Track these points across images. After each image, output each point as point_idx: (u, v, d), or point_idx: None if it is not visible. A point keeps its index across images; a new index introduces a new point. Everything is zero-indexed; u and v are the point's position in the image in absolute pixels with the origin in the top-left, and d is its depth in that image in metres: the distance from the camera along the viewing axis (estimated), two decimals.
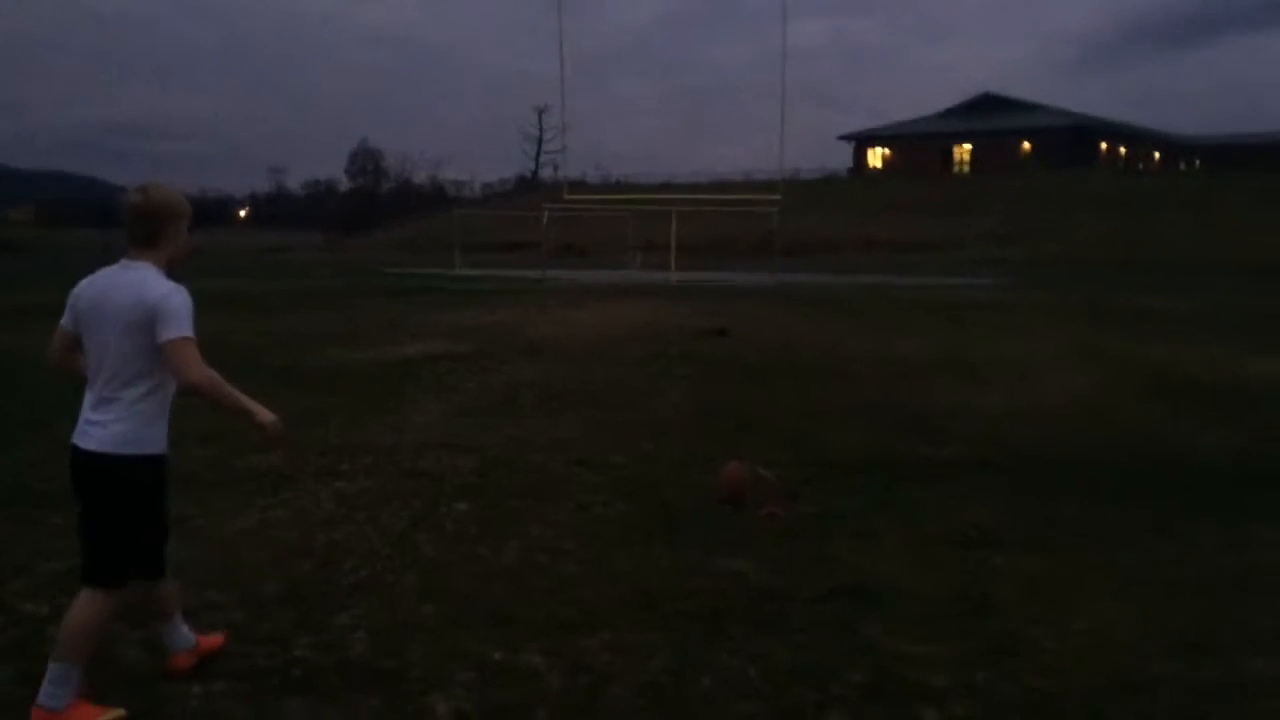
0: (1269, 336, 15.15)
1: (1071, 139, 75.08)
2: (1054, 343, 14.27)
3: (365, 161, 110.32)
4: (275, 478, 6.31)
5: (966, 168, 79.72)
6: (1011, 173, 71.06)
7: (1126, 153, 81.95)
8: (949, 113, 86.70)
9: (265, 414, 3.36)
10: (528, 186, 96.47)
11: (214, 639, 3.71)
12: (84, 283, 3.23)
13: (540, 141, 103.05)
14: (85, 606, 3.24)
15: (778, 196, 32.77)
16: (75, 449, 3.22)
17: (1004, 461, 6.95)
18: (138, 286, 3.13)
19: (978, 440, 7.66)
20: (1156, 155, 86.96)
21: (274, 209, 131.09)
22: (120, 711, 3.25)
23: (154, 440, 3.24)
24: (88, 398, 3.23)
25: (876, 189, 72.10)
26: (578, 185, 77.06)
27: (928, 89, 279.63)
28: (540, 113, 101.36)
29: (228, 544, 5.00)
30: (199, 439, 7.18)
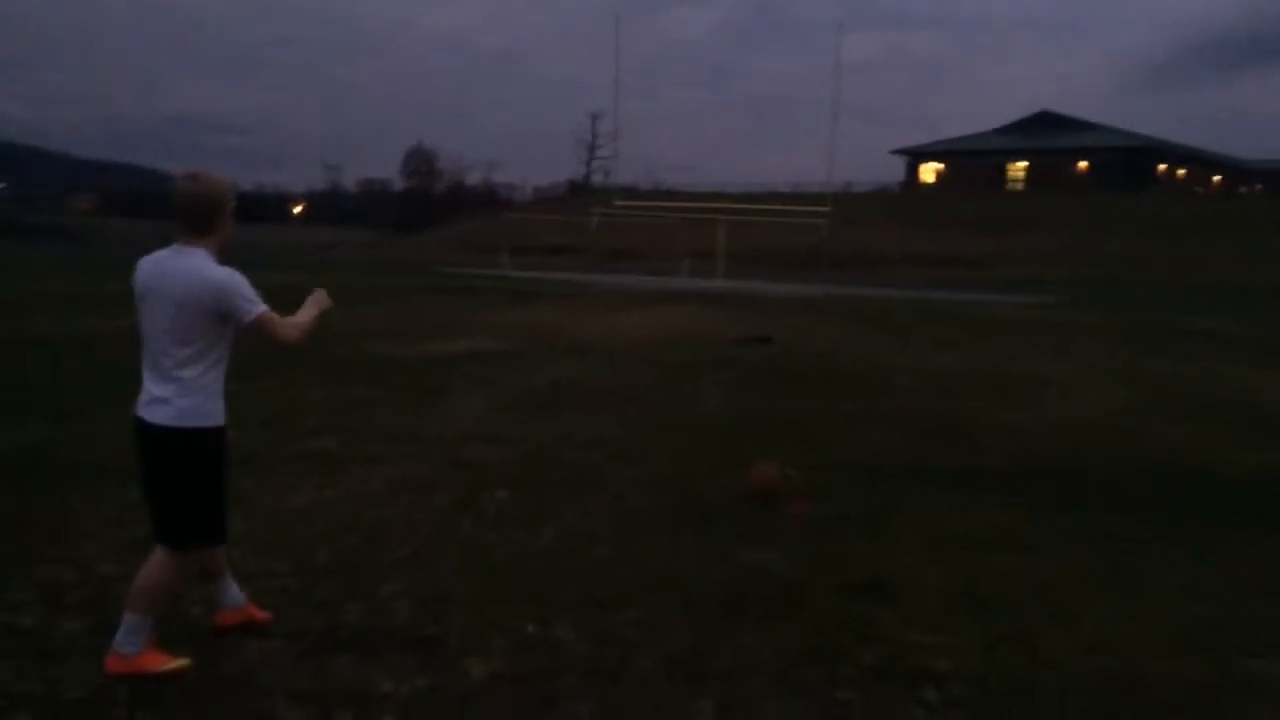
0: None
1: (1129, 159, 74.17)
2: (1093, 362, 14.31)
3: (420, 162, 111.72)
4: (327, 461, 6.66)
5: (1020, 185, 79.02)
6: (1066, 192, 70.43)
7: (1185, 175, 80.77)
8: (1005, 129, 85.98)
9: (319, 300, 3.95)
10: (579, 191, 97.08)
11: (263, 614, 3.96)
12: (141, 266, 3.48)
13: (593, 147, 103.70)
14: (156, 565, 3.56)
15: (827, 209, 32.87)
16: (141, 421, 3.48)
17: (1029, 472, 7.12)
18: (195, 272, 3.37)
19: (1005, 452, 7.83)
20: (1216, 178, 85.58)
21: (329, 206, 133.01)
22: (186, 661, 3.57)
23: (215, 413, 3.52)
24: (147, 374, 3.50)
25: (928, 204, 71.72)
26: (628, 191, 77.52)
27: (985, 105, 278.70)
28: (594, 119, 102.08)
29: (283, 518, 5.33)
30: (259, 424, 7.57)
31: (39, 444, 6.85)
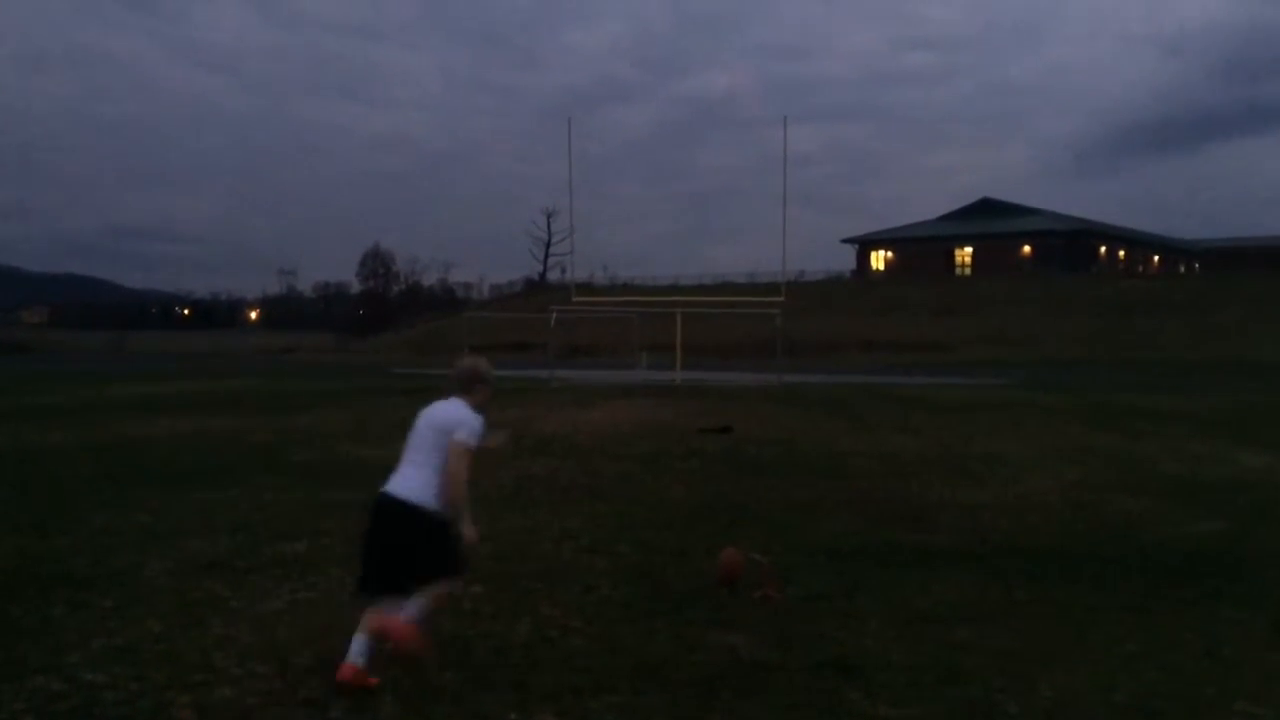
0: (1258, 433, 15.59)
1: (1069, 242, 76.54)
2: (1046, 440, 14.71)
3: (376, 264, 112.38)
4: (302, 564, 6.74)
5: (968, 270, 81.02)
6: (1011, 275, 72.36)
7: (1125, 255, 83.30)
8: (949, 216, 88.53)
9: (471, 532, 4.69)
10: (536, 288, 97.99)
11: (372, 681, 4.45)
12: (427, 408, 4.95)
13: (548, 244, 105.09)
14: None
15: (781, 299, 33.57)
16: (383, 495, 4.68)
17: (987, 549, 7.37)
18: (454, 411, 4.82)
19: (963, 530, 8.09)
20: (1155, 259, 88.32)
21: (285, 310, 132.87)
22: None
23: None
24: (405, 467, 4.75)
25: (879, 291, 73.30)
26: (585, 287, 78.39)
27: (924, 191, 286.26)
28: (549, 216, 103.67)
29: (263, 621, 5.42)
30: (230, 530, 7.66)
31: (13, 555, 6.89)
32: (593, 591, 6.11)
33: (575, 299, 38.53)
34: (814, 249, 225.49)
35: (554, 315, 39.24)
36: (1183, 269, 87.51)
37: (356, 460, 11.88)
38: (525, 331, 58.50)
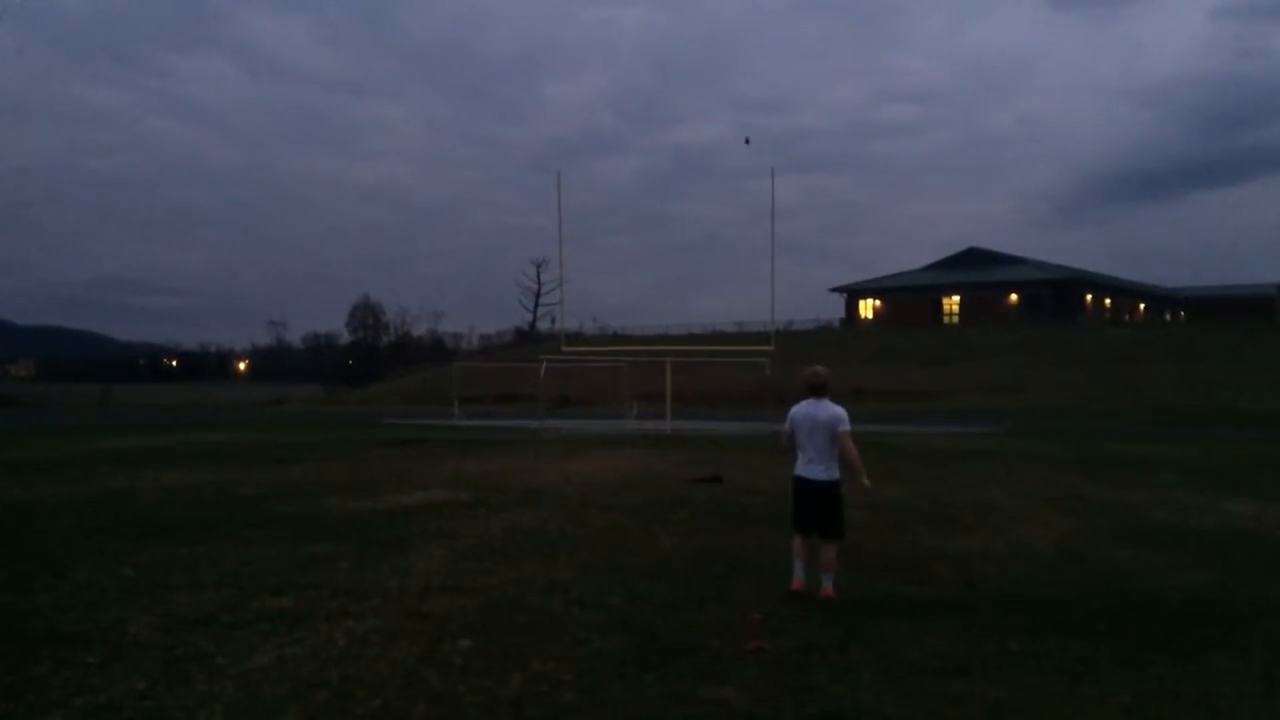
0: (1245, 481, 15.62)
1: (1056, 291, 77.10)
2: (1035, 489, 14.70)
3: (366, 315, 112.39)
4: (289, 618, 6.68)
5: (956, 319, 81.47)
6: (998, 324, 72.73)
7: (1111, 304, 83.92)
8: (936, 265, 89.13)
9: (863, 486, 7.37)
10: (526, 338, 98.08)
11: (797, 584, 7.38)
12: (797, 408, 7.47)
13: (538, 294, 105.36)
14: (830, 548, 7.40)
15: (770, 347, 33.65)
16: (804, 479, 7.48)
17: (979, 599, 7.35)
18: (830, 409, 7.32)
19: (955, 580, 8.07)
20: (1141, 307, 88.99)
21: (274, 362, 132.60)
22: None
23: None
24: (801, 457, 7.48)
25: (867, 340, 73.52)
26: (574, 337, 78.52)
27: (908, 241, 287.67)
28: (538, 267, 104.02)
29: (248, 678, 5.36)
30: (216, 585, 7.60)
31: None
32: (583, 645, 6.06)
33: (565, 348, 38.57)
34: (802, 298, 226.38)
35: (544, 365, 39.27)
36: (1168, 317, 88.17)
37: (346, 513, 11.80)
38: (515, 381, 58.40)
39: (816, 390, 7.39)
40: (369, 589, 7.63)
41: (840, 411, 7.25)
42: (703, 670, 5.47)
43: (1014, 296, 79.02)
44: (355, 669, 5.52)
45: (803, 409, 7.39)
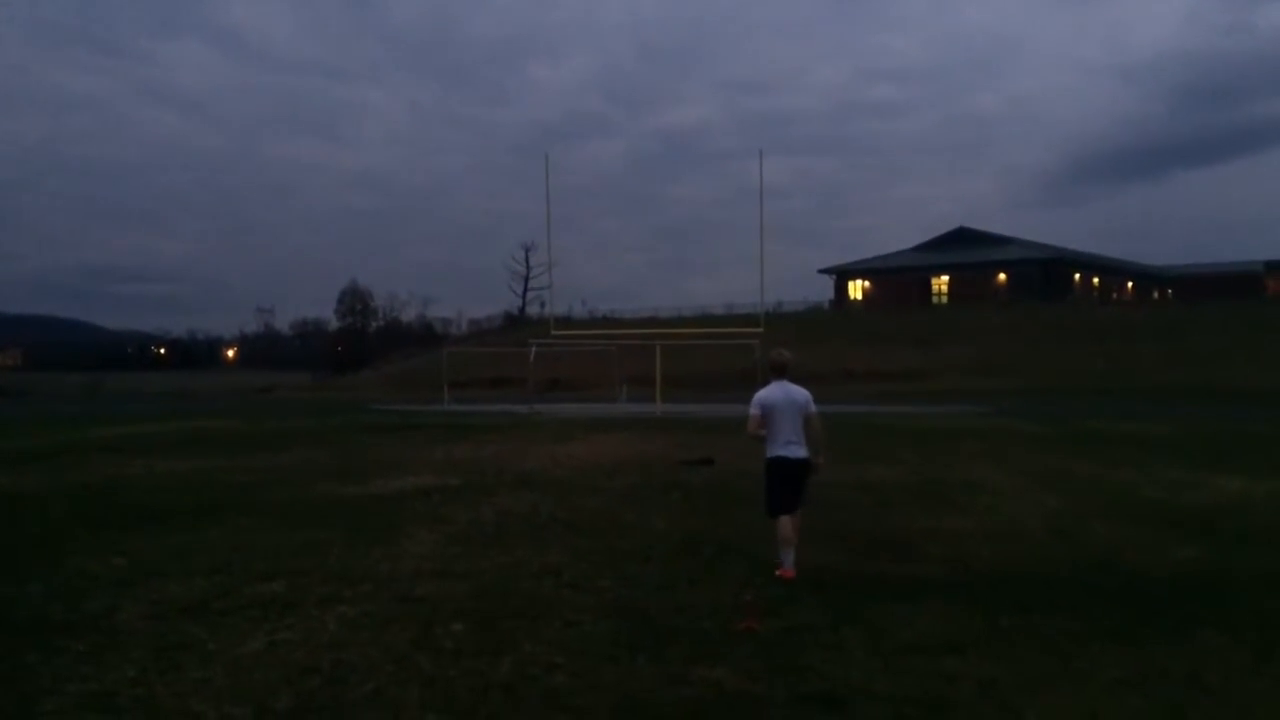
0: (1232, 458, 15.70)
1: (1044, 270, 77.21)
2: (1026, 468, 14.75)
3: (354, 301, 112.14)
4: (281, 604, 6.66)
5: (945, 299, 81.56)
6: (987, 303, 72.83)
7: (1099, 283, 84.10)
8: (925, 246, 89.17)
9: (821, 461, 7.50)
10: (515, 323, 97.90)
11: (789, 573, 7.22)
12: (765, 391, 7.45)
13: (527, 279, 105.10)
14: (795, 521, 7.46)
15: (760, 329, 33.65)
16: (787, 459, 7.39)
17: (970, 578, 7.37)
18: (799, 390, 7.44)
19: (947, 559, 8.09)
20: (1129, 285, 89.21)
21: (263, 349, 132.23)
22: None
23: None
24: (780, 439, 7.39)
25: (857, 320, 73.57)
26: (564, 321, 78.45)
27: (896, 222, 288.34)
28: (527, 251, 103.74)
29: (240, 663, 5.35)
30: (208, 571, 7.58)
31: None
32: (575, 627, 6.06)
33: (554, 332, 38.55)
34: (791, 279, 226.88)
35: (533, 349, 39.23)
36: (1155, 295, 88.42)
37: (336, 498, 11.77)
38: (505, 366, 58.37)
39: (780, 371, 7.49)
40: (360, 574, 7.62)
41: (807, 392, 7.44)
42: (695, 651, 5.47)
43: (1002, 276, 79.11)
44: (347, 654, 5.51)
45: (776, 392, 7.41)
